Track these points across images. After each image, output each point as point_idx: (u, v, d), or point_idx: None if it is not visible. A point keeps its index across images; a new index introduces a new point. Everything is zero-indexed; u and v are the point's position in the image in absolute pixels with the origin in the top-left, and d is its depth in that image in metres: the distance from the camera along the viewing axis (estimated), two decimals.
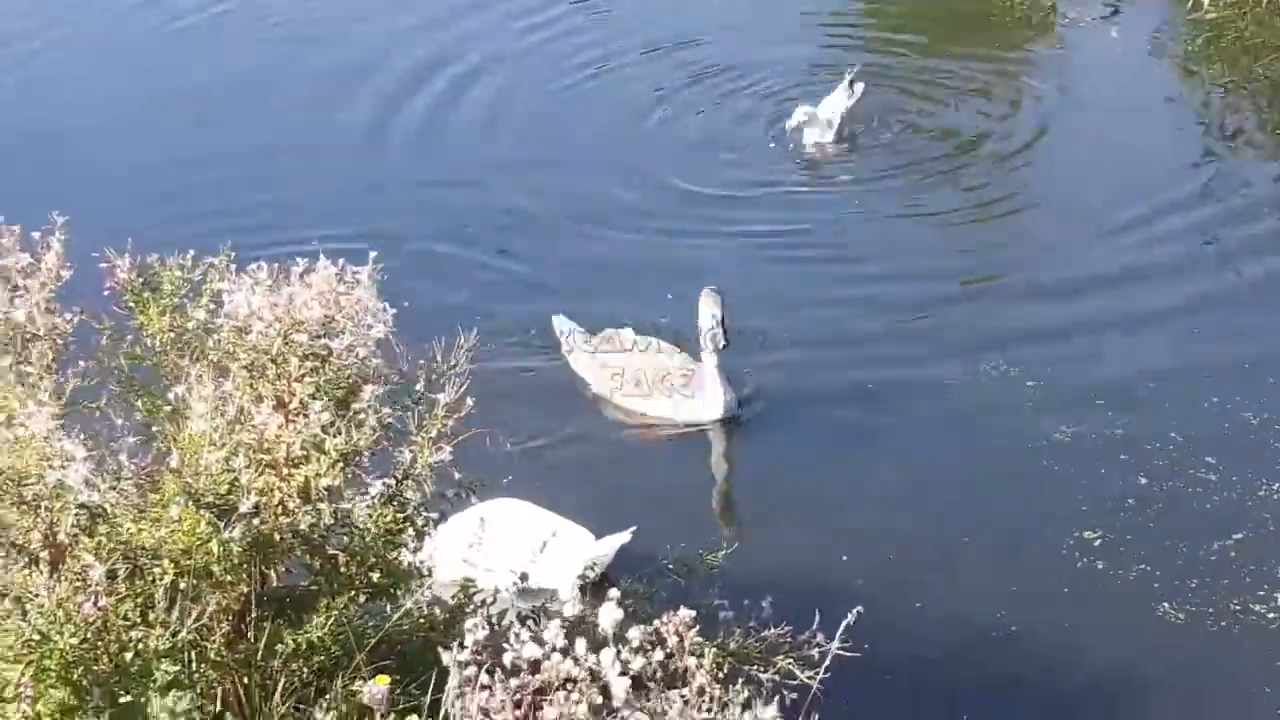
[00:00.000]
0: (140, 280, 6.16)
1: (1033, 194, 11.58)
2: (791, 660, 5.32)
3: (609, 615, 4.70)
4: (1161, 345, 9.79)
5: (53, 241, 6.02)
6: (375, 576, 5.95)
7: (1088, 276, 10.52)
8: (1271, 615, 7.58)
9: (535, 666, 4.65)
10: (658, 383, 9.25)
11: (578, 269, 10.87)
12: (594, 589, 5.29)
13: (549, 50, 13.79)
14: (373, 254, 5.97)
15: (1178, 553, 8.01)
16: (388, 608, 6.06)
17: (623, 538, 7.82)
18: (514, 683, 4.61)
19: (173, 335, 6.12)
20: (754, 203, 11.50)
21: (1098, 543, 8.07)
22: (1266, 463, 8.58)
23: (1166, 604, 7.71)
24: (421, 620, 6.02)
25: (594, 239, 11.14)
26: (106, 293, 6.12)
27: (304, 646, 5.80)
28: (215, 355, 5.97)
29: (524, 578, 6.04)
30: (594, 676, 4.65)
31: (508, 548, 6.42)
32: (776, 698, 4.94)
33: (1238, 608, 7.66)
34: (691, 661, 4.77)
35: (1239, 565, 7.92)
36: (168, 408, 6.00)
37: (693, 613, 4.87)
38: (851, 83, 12.08)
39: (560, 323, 9.65)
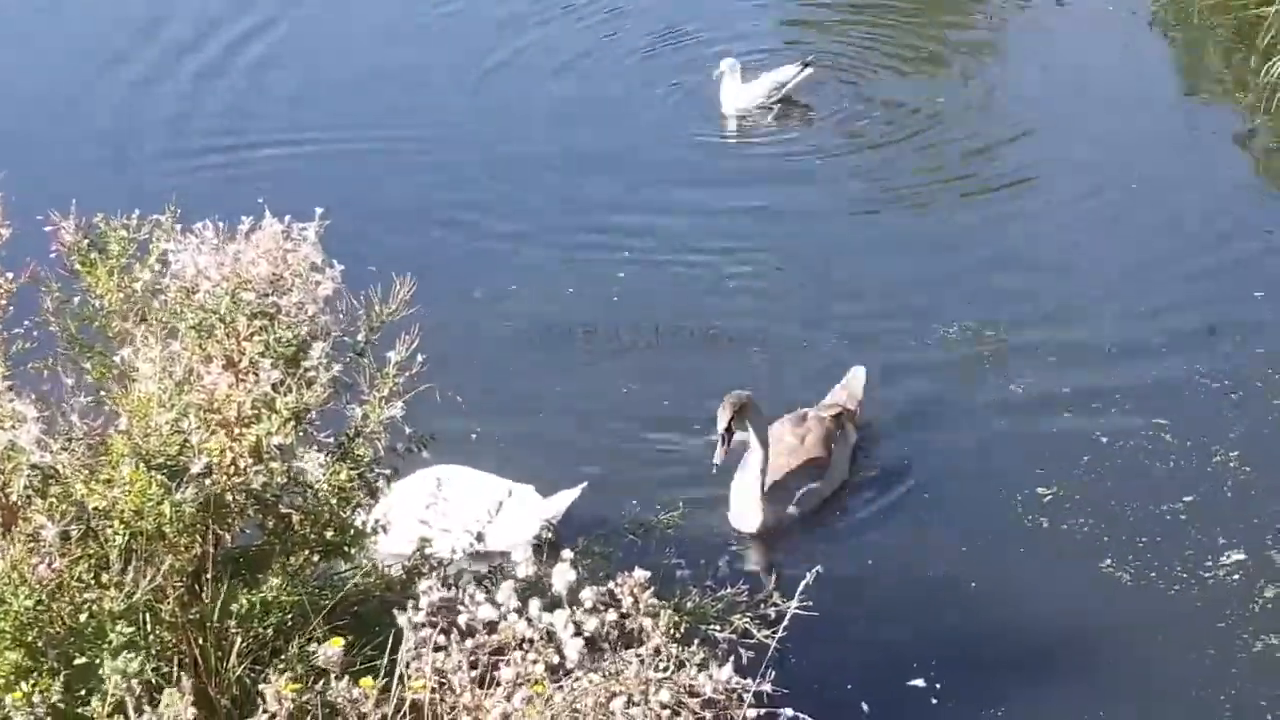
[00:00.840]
0: (86, 241, 6.10)
1: (966, 167, 11.50)
2: (749, 620, 5.26)
3: (562, 576, 4.66)
4: (1119, 307, 9.78)
5: None
6: (329, 535, 5.94)
7: (1036, 239, 10.54)
8: (1216, 577, 7.59)
9: (491, 628, 4.64)
10: None
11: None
12: (550, 548, 5.19)
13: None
14: (319, 210, 5.93)
15: (1127, 512, 8.02)
16: (343, 566, 6.07)
17: (573, 494, 7.77)
18: (469, 643, 4.59)
19: (121, 296, 6.06)
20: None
21: (1048, 499, 8.08)
22: (1220, 428, 8.57)
23: (1113, 561, 7.73)
24: (377, 580, 6.01)
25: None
26: (53, 254, 6.05)
27: (259, 607, 5.78)
28: (163, 316, 5.92)
29: (479, 538, 5.99)
30: (549, 637, 4.61)
31: (457, 511, 6.35)
32: (732, 657, 4.89)
33: (1183, 570, 7.66)
34: (647, 622, 4.74)
35: (1188, 527, 7.93)
36: (115, 370, 5.98)
37: (647, 573, 4.83)
38: (805, 64, 11.86)
39: None
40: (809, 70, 11.84)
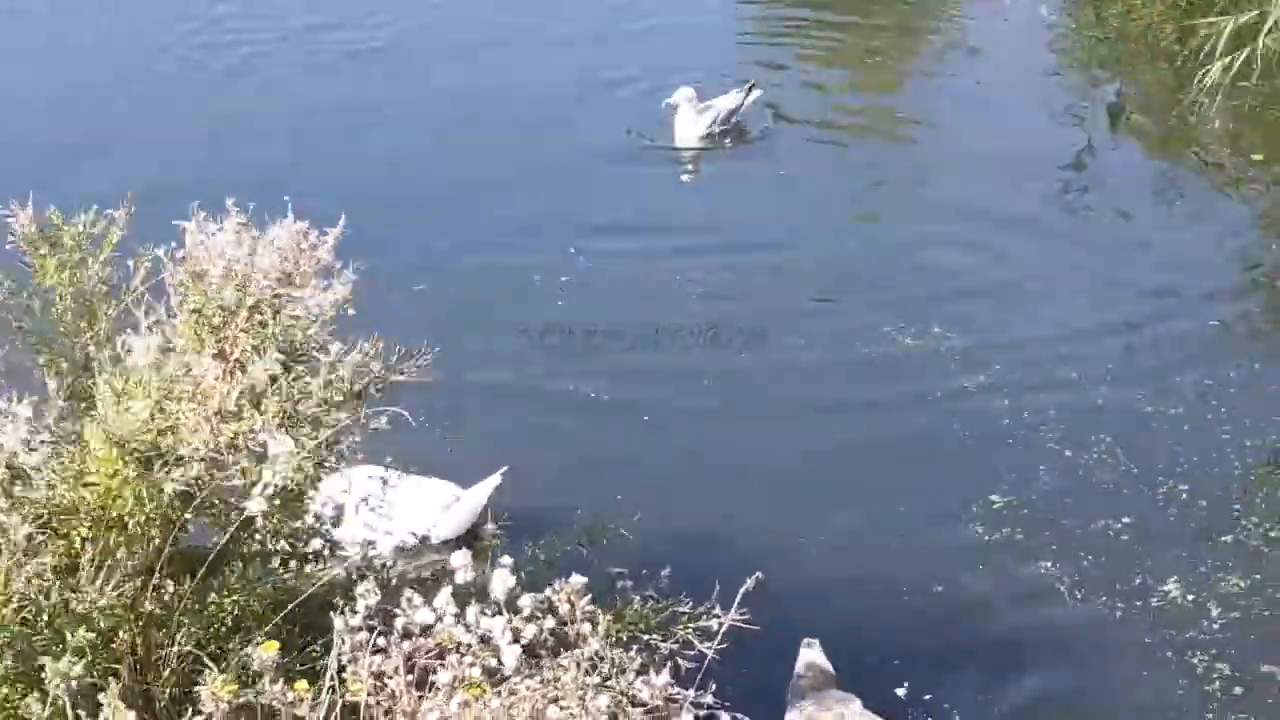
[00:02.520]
0: (39, 233, 5.92)
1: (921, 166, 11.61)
2: (690, 630, 5.24)
3: (502, 582, 4.63)
4: (1071, 309, 9.85)
5: None
6: (282, 544, 5.83)
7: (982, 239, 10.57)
8: (1157, 599, 7.51)
9: (428, 632, 4.60)
10: None
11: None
12: (491, 555, 5.15)
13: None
14: (341, 218, 5.79)
15: (1073, 528, 7.96)
16: (290, 567, 5.89)
17: (493, 481, 7.70)
18: (407, 646, 4.56)
19: (73, 290, 5.89)
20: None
21: (1001, 509, 8.05)
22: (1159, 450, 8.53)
23: (1057, 572, 7.68)
24: (322, 584, 5.83)
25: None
26: (8, 246, 5.90)
27: (210, 607, 5.68)
28: (175, 297, 5.74)
29: (424, 540, 5.99)
30: (484, 642, 4.57)
31: (399, 513, 6.31)
32: (669, 665, 4.88)
33: (1124, 586, 7.59)
34: (585, 628, 4.73)
35: (1133, 545, 7.87)
36: (75, 363, 5.85)
37: (584, 579, 4.83)
38: (750, 88, 11.72)
39: None
40: (756, 93, 11.74)
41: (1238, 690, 6.95)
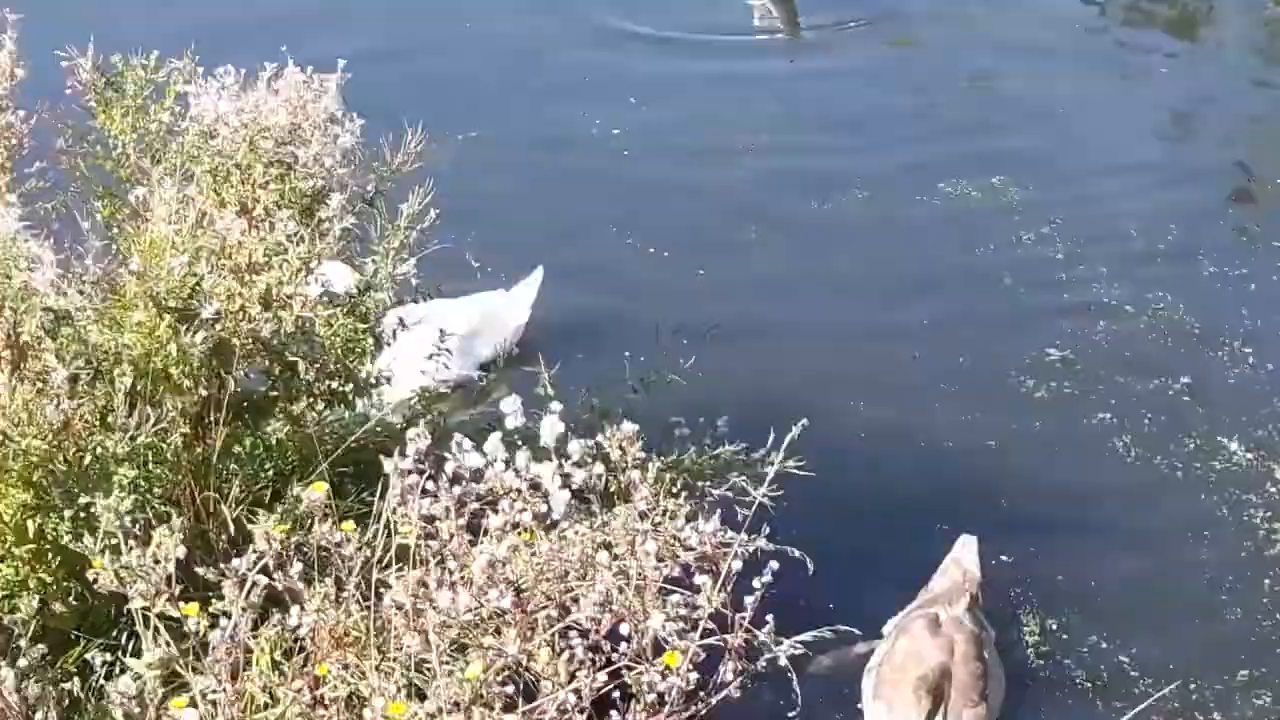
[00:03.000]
0: (103, 80, 6.05)
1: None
2: (745, 478, 5.23)
3: (551, 429, 4.60)
4: (1138, 157, 9.75)
5: (4, 39, 5.93)
6: (334, 385, 5.97)
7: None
8: (1219, 460, 7.50)
9: (478, 476, 4.62)
10: None
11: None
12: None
13: None
14: (341, 62, 5.93)
15: (1131, 385, 7.96)
16: (347, 415, 6.10)
17: (536, 279, 7.94)
18: (457, 490, 4.59)
19: (135, 137, 6.04)
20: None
21: (1057, 363, 8.07)
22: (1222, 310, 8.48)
23: (1115, 429, 7.70)
24: (378, 428, 6.04)
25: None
26: (69, 92, 6.02)
27: (260, 450, 5.86)
28: (179, 159, 5.92)
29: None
30: (534, 488, 4.60)
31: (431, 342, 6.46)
32: (718, 511, 4.87)
33: (1182, 447, 7.60)
34: (635, 474, 4.72)
35: (1188, 410, 7.84)
36: (128, 210, 5.96)
37: (635, 426, 4.80)
38: None
39: None
40: None
41: None
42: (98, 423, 5.60)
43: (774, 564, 4.58)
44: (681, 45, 10.91)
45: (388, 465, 4.55)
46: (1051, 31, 11.31)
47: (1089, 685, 6.46)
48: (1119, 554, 7.01)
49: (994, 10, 11.49)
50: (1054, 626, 6.68)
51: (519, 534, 4.63)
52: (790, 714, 5.01)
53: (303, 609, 4.52)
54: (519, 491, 4.61)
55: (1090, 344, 8.23)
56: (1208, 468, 7.46)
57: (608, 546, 4.65)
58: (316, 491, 4.56)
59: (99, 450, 5.51)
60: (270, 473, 5.81)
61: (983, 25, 11.32)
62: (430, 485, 4.57)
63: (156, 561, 4.49)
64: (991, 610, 6.49)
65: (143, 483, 5.44)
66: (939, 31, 11.29)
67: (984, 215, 9.22)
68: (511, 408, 4.73)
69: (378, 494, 4.75)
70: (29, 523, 5.40)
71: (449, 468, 4.53)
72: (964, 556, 6.62)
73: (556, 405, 4.73)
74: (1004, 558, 6.88)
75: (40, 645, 4.78)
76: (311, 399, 5.93)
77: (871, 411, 7.68)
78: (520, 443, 4.72)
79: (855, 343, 8.26)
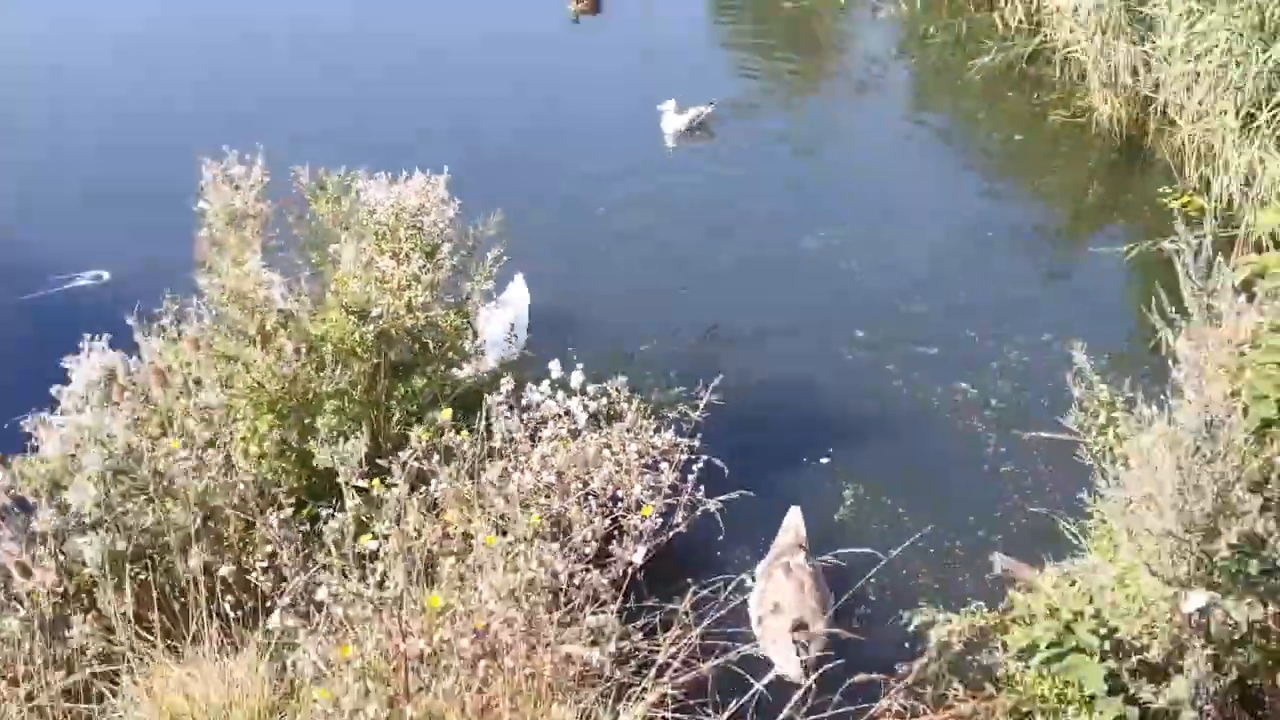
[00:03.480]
0: (315, 184, 6.21)
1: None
2: (686, 407, 5.34)
3: (576, 379, 4.83)
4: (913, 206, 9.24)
5: (257, 158, 6.06)
6: (450, 354, 6.10)
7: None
8: (958, 395, 7.17)
9: (536, 406, 4.77)
10: None
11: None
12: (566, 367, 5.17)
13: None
14: (445, 167, 6.10)
15: (910, 351, 7.58)
16: (459, 374, 6.17)
17: (520, 283, 7.49)
18: (526, 416, 4.72)
19: (332, 214, 6.16)
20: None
21: (864, 338, 7.69)
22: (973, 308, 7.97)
23: (898, 375, 7.38)
24: (475, 380, 6.13)
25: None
26: (294, 191, 6.19)
27: (408, 394, 5.95)
28: (358, 228, 6.03)
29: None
30: (567, 414, 4.76)
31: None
32: (673, 427, 5.01)
33: (940, 386, 7.23)
34: (625, 405, 4.87)
35: (940, 363, 7.44)
36: (328, 257, 6.08)
37: (625, 377, 4.94)
38: (711, 104, 10.38)
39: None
40: (712, 107, 10.46)
41: (1004, 450, 6.78)
42: (314, 375, 5.73)
43: (705, 458, 4.67)
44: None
45: (488, 399, 4.70)
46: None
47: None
48: (903, 455, 6.78)
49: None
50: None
51: (560, 440, 4.75)
52: (719, 538, 5.04)
53: (438, 480, 4.57)
54: (558, 415, 4.77)
55: (891, 327, 7.88)
56: (952, 401, 7.19)
57: (609, 447, 4.74)
58: (445, 415, 4.76)
59: (314, 391, 5.67)
60: (414, 407, 5.86)
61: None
62: (509, 412, 4.72)
63: (350, 455, 4.57)
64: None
65: (342, 411, 5.60)
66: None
67: (817, 251, 8.74)
68: (555, 366, 4.96)
69: (479, 418, 4.79)
70: (274, 432, 5.55)
71: (522, 400, 4.69)
72: (795, 522, 6.01)
73: (578, 374, 4.86)
74: (822, 461, 6.69)
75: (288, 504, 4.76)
76: (437, 364, 6.03)
77: (762, 369, 7.38)
78: (558, 387, 4.88)
79: (756, 324, 7.92)
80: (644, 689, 4.01)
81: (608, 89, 11.21)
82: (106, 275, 8.30)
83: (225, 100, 10.82)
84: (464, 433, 4.65)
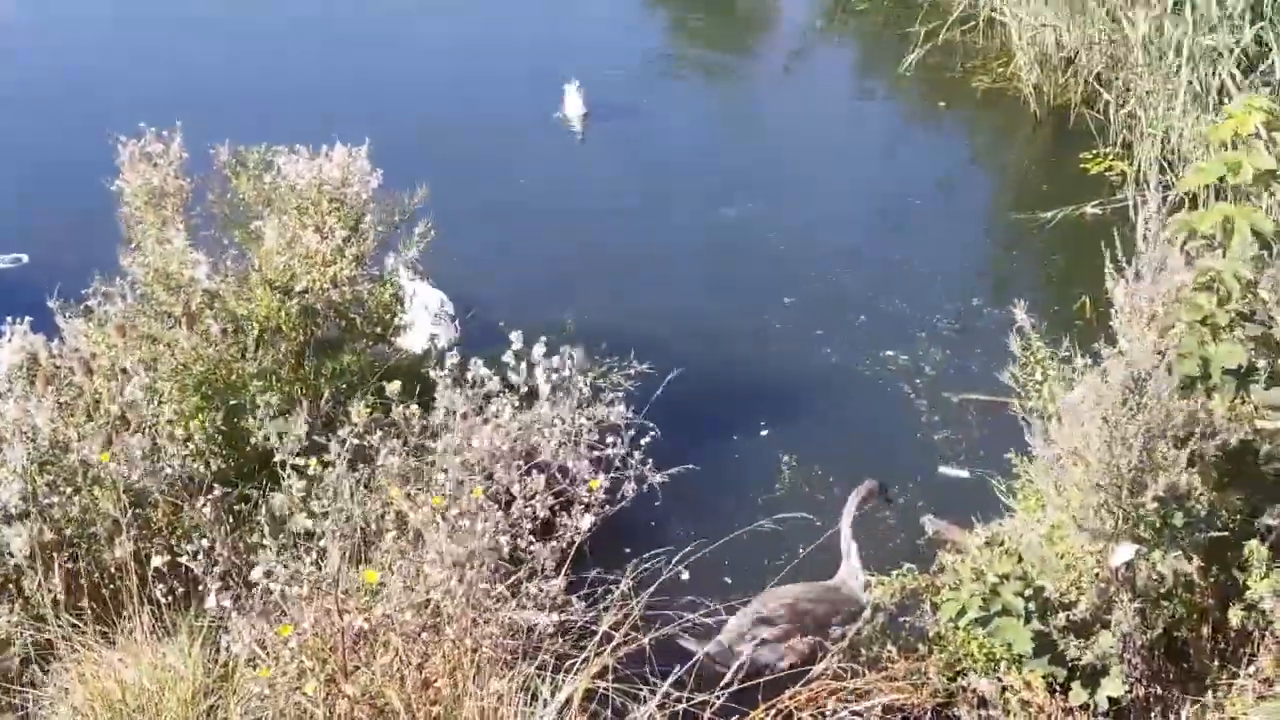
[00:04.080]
0: (234, 160, 6.19)
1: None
2: (619, 376, 5.53)
3: (538, 350, 4.91)
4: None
5: (175, 135, 6.05)
6: (376, 331, 6.13)
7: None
8: (888, 360, 7.31)
9: (481, 382, 4.83)
10: None
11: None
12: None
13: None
14: (367, 138, 6.09)
15: (838, 319, 7.72)
16: (385, 350, 6.24)
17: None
18: (470, 391, 4.78)
19: (254, 190, 6.15)
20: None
21: (792, 305, 7.82)
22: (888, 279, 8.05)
23: (827, 340, 7.56)
24: (407, 357, 6.23)
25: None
26: (215, 169, 6.18)
27: (337, 371, 5.98)
28: (280, 204, 6.02)
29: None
30: (511, 388, 4.86)
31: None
32: (618, 401, 5.13)
33: (865, 353, 7.41)
34: (580, 378, 5.01)
35: (871, 329, 7.61)
36: (251, 233, 6.07)
37: (581, 351, 5.10)
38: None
39: None
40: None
41: (937, 416, 6.89)
42: (239, 356, 5.76)
43: (651, 433, 4.77)
44: None
45: (434, 374, 4.69)
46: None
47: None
48: (831, 416, 6.92)
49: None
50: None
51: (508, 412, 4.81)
52: (657, 509, 5.10)
53: (384, 454, 4.58)
54: (502, 392, 4.85)
55: (819, 298, 7.97)
56: (885, 369, 7.28)
57: (561, 419, 4.87)
58: (394, 385, 4.65)
59: (240, 372, 5.70)
60: (343, 385, 5.87)
61: None
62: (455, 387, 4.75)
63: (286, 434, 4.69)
64: None
65: (270, 389, 5.61)
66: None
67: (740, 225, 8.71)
68: (516, 337, 4.98)
69: (414, 395, 4.77)
70: (200, 414, 5.52)
71: (469, 375, 4.71)
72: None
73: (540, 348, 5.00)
74: (762, 434, 6.78)
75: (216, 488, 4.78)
76: (364, 340, 6.07)
77: (692, 343, 7.34)
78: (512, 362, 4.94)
79: (683, 299, 7.95)
80: (584, 659, 4.07)
81: (517, 63, 11.01)
82: (25, 258, 8.19)
83: (150, 83, 10.59)
84: (409, 408, 4.67)
